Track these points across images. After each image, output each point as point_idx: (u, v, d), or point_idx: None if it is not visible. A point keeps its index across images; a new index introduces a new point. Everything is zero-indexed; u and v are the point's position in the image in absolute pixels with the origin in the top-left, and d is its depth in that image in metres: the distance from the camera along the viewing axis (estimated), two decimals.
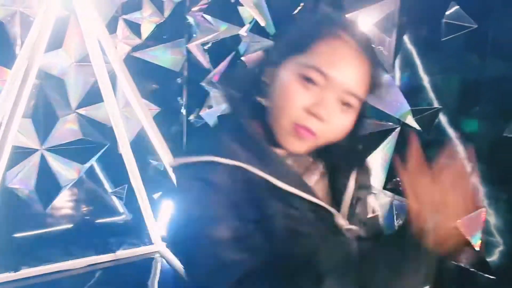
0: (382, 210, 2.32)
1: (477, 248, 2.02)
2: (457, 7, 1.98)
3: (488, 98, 1.96)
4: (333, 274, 0.81)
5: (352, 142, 0.99)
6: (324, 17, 0.99)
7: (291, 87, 0.89)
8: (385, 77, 2.25)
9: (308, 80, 0.88)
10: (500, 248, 1.95)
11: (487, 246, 1.97)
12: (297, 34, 0.95)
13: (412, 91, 2.25)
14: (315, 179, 1.00)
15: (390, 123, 2.27)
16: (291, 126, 0.89)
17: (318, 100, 0.88)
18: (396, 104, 2.23)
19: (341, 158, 1.01)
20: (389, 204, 2.31)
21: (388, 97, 2.23)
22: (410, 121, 2.19)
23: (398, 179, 2.27)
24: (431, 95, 2.18)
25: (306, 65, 0.89)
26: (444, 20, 1.99)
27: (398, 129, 2.26)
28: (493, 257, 1.98)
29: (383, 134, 2.28)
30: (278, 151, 0.95)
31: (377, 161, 2.31)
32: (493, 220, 1.96)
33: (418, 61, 2.22)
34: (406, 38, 2.24)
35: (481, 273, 2.02)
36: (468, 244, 2.00)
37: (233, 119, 0.97)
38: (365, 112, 0.98)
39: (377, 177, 2.29)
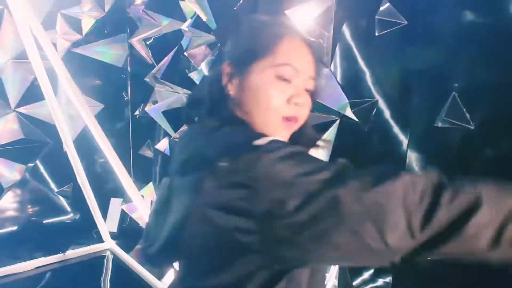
0: None
1: None
2: (388, 4, 2.07)
3: (419, 90, 2.06)
4: None
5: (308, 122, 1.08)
6: (274, 20, 1.05)
7: (270, 88, 0.96)
8: (325, 70, 2.34)
9: (281, 77, 0.96)
10: None
11: None
12: (255, 40, 1.00)
13: (350, 84, 2.34)
14: None
15: (332, 116, 2.35)
16: (280, 120, 0.97)
17: (295, 91, 0.97)
18: (335, 97, 2.31)
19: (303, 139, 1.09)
20: None
21: (327, 90, 2.31)
22: (349, 113, 2.28)
23: None
24: (368, 87, 2.28)
25: (278, 64, 0.96)
26: (377, 17, 2.07)
27: (338, 121, 2.34)
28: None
29: (324, 126, 2.35)
30: None
31: (318, 152, 2.39)
32: None
33: (355, 55, 2.31)
34: (343, 33, 2.32)
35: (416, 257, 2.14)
36: None
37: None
38: (316, 97, 1.07)
39: None
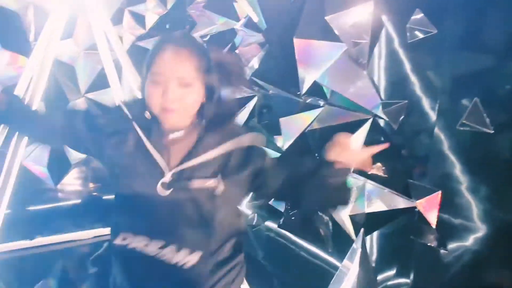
0: (356, 191, 2.61)
1: (434, 226, 2.32)
2: (421, 14, 2.24)
3: (445, 94, 2.23)
4: None
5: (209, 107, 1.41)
6: (160, 39, 1.45)
7: (149, 89, 1.36)
8: (361, 72, 2.54)
9: (155, 81, 1.34)
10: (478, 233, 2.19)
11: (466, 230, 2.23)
12: (146, 61, 1.41)
13: (384, 85, 2.53)
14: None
15: (364, 114, 2.55)
16: (160, 110, 1.35)
17: (164, 89, 1.33)
18: (369, 97, 2.50)
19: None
20: (362, 187, 2.60)
21: (362, 90, 2.51)
22: (380, 113, 2.47)
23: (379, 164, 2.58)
24: (400, 89, 2.47)
25: (152, 73, 1.36)
26: (408, 25, 2.26)
27: (370, 120, 2.54)
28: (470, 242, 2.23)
29: (357, 124, 2.56)
30: None
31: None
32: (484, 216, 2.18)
33: (390, 59, 2.49)
34: (381, 38, 2.52)
35: (437, 247, 2.32)
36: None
37: None
38: (212, 84, 1.39)
39: None
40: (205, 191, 1.37)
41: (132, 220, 1.43)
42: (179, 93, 1.33)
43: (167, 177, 1.37)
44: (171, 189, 1.36)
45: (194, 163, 1.38)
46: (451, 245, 2.29)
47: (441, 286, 2.39)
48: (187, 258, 1.37)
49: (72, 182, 4.37)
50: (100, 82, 4.02)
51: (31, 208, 4.11)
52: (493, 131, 2.02)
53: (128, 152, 1.41)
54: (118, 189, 1.48)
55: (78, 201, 4.39)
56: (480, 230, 2.18)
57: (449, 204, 2.29)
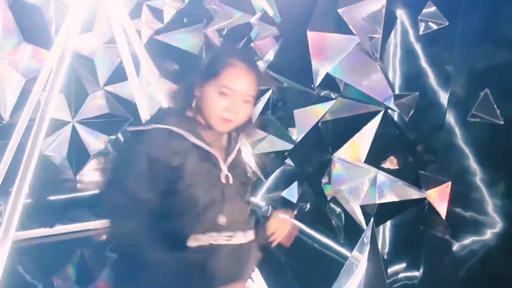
0: (367, 183, 2.64)
1: (444, 216, 2.35)
2: (433, 7, 2.26)
3: (456, 86, 2.25)
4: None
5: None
6: (224, 50, 1.62)
7: (214, 98, 1.45)
8: (374, 65, 2.57)
9: (222, 93, 1.44)
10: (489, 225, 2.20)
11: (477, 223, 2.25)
12: (211, 66, 1.48)
13: (396, 78, 2.55)
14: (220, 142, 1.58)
15: (375, 106, 2.58)
16: (219, 119, 1.46)
17: (230, 104, 1.45)
18: (381, 90, 2.53)
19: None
20: (373, 177, 2.63)
21: (374, 83, 2.54)
22: (392, 105, 2.50)
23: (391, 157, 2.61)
24: (412, 82, 2.49)
25: (220, 85, 1.44)
26: (419, 17, 2.28)
27: (382, 112, 2.57)
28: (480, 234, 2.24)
29: (369, 116, 2.59)
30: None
31: (364, 138, 2.64)
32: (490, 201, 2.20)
33: (402, 51, 2.52)
34: (393, 32, 2.54)
35: (447, 237, 2.34)
36: None
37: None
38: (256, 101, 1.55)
39: (362, 153, 2.62)
40: (246, 176, 1.66)
41: (209, 219, 1.49)
42: (242, 108, 1.48)
43: (225, 170, 1.51)
44: (231, 179, 1.52)
45: (233, 156, 1.57)
46: (462, 237, 2.30)
47: (451, 278, 2.40)
48: (249, 237, 1.55)
49: (90, 172, 4.48)
50: (119, 75, 4.12)
51: (51, 198, 4.23)
52: (503, 122, 2.03)
53: (190, 162, 1.47)
54: (183, 198, 1.47)
55: (97, 191, 4.49)
56: (492, 223, 2.19)
57: (460, 195, 2.31)
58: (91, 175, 4.51)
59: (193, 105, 1.49)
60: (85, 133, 4.24)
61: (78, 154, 4.26)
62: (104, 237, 3.85)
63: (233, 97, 1.45)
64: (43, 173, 3.95)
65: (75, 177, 4.31)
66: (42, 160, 3.97)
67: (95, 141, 4.28)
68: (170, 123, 1.45)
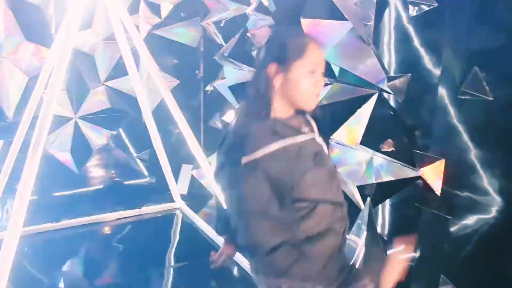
0: (364, 164, 2.70)
1: (438, 193, 2.40)
2: None
3: (446, 66, 2.30)
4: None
5: None
6: (298, 32, 1.74)
7: (306, 79, 1.48)
8: (367, 49, 2.62)
9: (311, 70, 1.47)
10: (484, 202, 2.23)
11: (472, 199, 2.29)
12: (292, 48, 1.48)
13: (389, 60, 2.61)
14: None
15: (370, 89, 2.63)
16: (313, 96, 1.51)
17: (317, 78, 1.49)
18: (374, 72, 2.58)
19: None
20: (370, 159, 2.68)
21: (368, 66, 2.59)
22: (385, 87, 2.55)
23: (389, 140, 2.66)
24: (404, 63, 2.54)
25: (309, 63, 1.47)
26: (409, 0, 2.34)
27: (376, 94, 2.62)
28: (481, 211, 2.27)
29: (364, 99, 2.64)
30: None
31: (359, 121, 2.69)
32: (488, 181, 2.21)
33: (394, 34, 2.57)
34: (385, 15, 2.60)
35: (441, 214, 2.39)
36: None
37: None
38: None
39: (358, 135, 2.67)
40: None
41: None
42: (323, 81, 1.53)
43: (322, 140, 1.60)
44: None
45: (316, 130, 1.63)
46: (457, 214, 2.35)
47: (447, 255, 2.45)
48: None
49: (94, 168, 4.56)
50: (119, 70, 4.19)
51: (56, 194, 4.31)
52: (492, 99, 2.08)
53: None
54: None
55: (101, 186, 4.57)
56: (487, 199, 2.23)
57: (454, 172, 2.35)
58: (94, 170, 4.58)
59: (273, 93, 1.49)
60: (87, 129, 4.32)
61: (81, 150, 4.34)
62: (110, 230, 3.94)
63: (318, 72, 1.49)
64: (48, 169, 4.03)
65: (79, 172, 4.39)
66: (45, 157, 4.07)
67: (97, 137, 4.37)
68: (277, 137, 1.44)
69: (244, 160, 1.41)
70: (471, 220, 2.31)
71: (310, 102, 1.52)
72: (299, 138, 1.48)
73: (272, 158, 1.40)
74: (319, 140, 1.57)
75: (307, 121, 1.60)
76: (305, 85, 1.48)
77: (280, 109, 1.51)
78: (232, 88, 3.78)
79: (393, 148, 2.66)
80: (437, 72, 2.37)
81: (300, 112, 1.58)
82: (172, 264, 3.53)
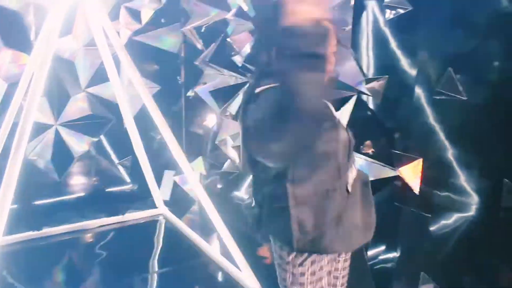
0: None
1: (417, 192, 2.45)
2: None
3: (422, 67, 2.36)
4: None
5: None
6: None
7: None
8: (345, 52, 2.67)
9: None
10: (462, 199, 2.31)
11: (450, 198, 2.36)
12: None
13: (367, 63, 2.66)
14: None
15: (349, 92, 2.68)
16: None
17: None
18: (353, 75, 2.64)
19: None
20: None
21: (346, 69, 2.65)
22: (364, 89, 2.61)
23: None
24: (381, 66, 2.60)
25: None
26: (385, 3, 2.39)
27: (355, 96, 2.67)
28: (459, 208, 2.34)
29: (343, 101, 2.69)
30: None
31: None
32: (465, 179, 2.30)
33: (371, 37, 2.63)
34: (362, 19, 2.65)
35: (420, 212, 2.45)
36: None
37: None
38: None
39: None
40: None
41: None
42: None
43: None
44: None
45: None
46: (435, 211, 2.41)
47: (427, 253, 2.51)
48: None
49: (75, 175, 4.53)
50: (100, 76, 4.18)
51: (37, 202, 4.27)
52: (466, 98, 2.15)
53: None
54: None
55: (82, 194, 4.54)
56: (464, 196, 2.29)
57: (432, 170, 2.41)
58: (76, 177, 4.55)
59: None
60: (68, 136, 4.29)
61: (62, 157, 4.31)
62: (92, 238, 3.91)
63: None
64: (28, 177, 3.99)
65: (60, 179, 4.36)
66: (26, 164, 4.02)
67: (78, 144, 4.34)
68: None
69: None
70: (449, 217, 2.37)
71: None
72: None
73: None
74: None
75: None
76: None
77: None
78: (213, 93, 3.81)
79: (373, 149, 2.71)
80: (413, 73, 2.43)
81: None
82: (156, 269, 3.52)
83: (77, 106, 4.27)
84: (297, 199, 1.50)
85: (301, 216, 1.50)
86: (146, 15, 4.30)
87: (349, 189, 1.58)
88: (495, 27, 2.05)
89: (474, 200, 2.26)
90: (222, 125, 3.78)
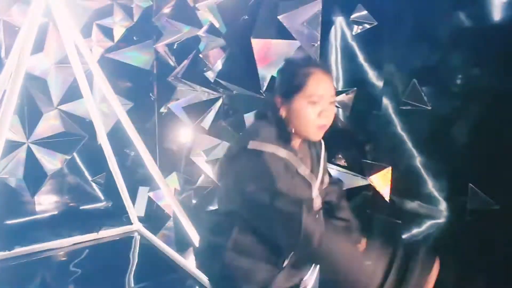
0: None
1: (387, 199, 2.53)
2: (362, 9, 2.49)
3: (388, 79, 2.46)
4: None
5: None
6: (304, 62, 1.66)
7: (308, 110, 1.52)
8: None
9: (312, 102, 1.51)
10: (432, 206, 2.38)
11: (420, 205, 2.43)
12: (294, 80, 1.54)
13: (335, 75, 2.76)
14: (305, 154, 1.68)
15: None
16: (316, 128, 1.54)
17: (322, 109, 1.52)
18: None
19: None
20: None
21: None
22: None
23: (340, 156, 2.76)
24: (349, 78, 2.69)
25: (309, 95, 1.52)
26: (351, 18, 2.50)
27: None
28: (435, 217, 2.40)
29: None
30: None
31: None
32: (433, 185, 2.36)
33: (339, 51, 2.73)
34: (330, 34, 2.75)
35: (390, 219, 2.52)
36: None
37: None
38: None
39: None
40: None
41: None
42: (331, 111, 1.56)
43: (316, 190, 1.64)
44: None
45: (321, 172, 1.69)
46: (406, 217, 2.49)
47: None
48: None
49: (48, 193, 4.48)
50: (72, 93, 4.18)
51: (9, 221, 4.21)
52: (430, 108, 2.25)
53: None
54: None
55: (56, 212, 4.50)
56: (432, 203, 2.38)
57: (401, 179, 2.50)
58: (49, 196, 4.50)
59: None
60: (40, 154, 4.26)
61: (35, 175, 4.27)
62: (66, 256, 3.87)
63: (322, 103, 1.52)
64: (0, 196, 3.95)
65: (33, 198, 4.31)
66: None
67: (51, 161, 4.31)
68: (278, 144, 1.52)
69: (251, 145, 1.49)
70: (418, 223, 2.45)
71: (313, 132, 1.56)
72: (301, 169, 1.56)
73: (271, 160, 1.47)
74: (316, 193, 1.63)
75: (317, 165, 1.69)
76: (306, 117, 1.52)
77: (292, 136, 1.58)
78: (186, 109, 3.85)
79: (344, 162, 2.80)
80: (380, 85, 2.53)
81: (313, 149, 1.70)
82: (133, 285, 3.50)
83: (49, 124, 4.25)
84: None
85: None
86: (118, 33, 4.33)
87: None
88: (457, 41, 2.16)
89: (442, 205, 2.35)
90: (196, 140, 3.82)
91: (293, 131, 1.57)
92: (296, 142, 1.62)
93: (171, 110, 4.10)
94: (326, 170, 1.77)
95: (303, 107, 1.51)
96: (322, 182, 1.72)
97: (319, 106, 1.51)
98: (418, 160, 2.40)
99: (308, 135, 1.57)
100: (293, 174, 1.55)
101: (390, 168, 2.50)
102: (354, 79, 2.65)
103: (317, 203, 1.67)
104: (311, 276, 2.74)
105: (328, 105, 1.54)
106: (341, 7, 2.65)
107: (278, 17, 2.71)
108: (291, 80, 1.55)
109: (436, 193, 2.35)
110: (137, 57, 4.36)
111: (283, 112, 1.55)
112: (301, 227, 1.39)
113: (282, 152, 1.51)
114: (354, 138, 2.76)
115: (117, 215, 4.40)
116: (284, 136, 1.56)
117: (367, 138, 2.70)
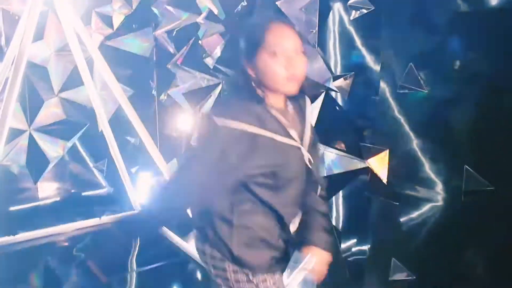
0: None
1: (385, 182, 2.59)
2: None
3: (386, 63, 2.50)
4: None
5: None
6: (259, 18, 1.63)
7: (271, 63, 1.46)
8: (313, 51, 2.79)
9: (274, 53, 1.45)
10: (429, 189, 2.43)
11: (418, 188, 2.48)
12: (252, 37, 1.50)
13: (334, 61, 2.79)
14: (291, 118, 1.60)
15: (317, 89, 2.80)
16: (285, 79, 1.47)
17: (288, 59, 1.45)
18: (321, 72, 2.76)
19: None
20: (321, 154, 2.85)
21: (314, 67, 2.77)
22: (332, 86, 2.73)
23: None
24: (348, 63, 2.73)
25: (270, 47, 1.45)
26: (349, 4, 2.53)
27: (323, 93, 2.80)
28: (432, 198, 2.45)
29: (312, 97, 2.80)
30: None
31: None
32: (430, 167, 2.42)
33: (336, 37, 2.76)
34: (328, 19, 2.78)
35: (389, 200, 2.58)
36: None
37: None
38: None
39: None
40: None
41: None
42: (298, 60, 1.48)
43: (306, 152, 1.58)
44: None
45: (308, 132, 1.62)
46: (403, 198, 2.54)
47: (398, 241, 2.63)
48: None
49: (51, 179, 4.53)
50: (72, 81, 4.21)
51: (12, 208, 4.26)
52: (427, 91, 2.29)
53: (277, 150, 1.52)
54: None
55: (58, 198, 4.55)
56: (429, 184, 2.42)
57: (398, 161, 2.55)
58: (51, 182, 4.55)
59: (253, 84, 1.50)
60: (42, 141, 4.30)
61: (37, 162, 4.31)
62: (69, 241, 3.92)
63: (286, 54, 1.45)
64: (3, 183, 3.99)
65: (35, 185, 4.36)
66: (0, 170, 4.02)
67: (53, 148, 4.35)
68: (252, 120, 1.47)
69: (216, 120, 1.44)
70: (416, 204, 2.50)
71: (283, 85, 1.48)
72: (279, 138, 1.50)
73: (236, 137, 1.44)
74: (304, 151, 1.58)
75: (303, 123, 1.63)
76: (271, 70, 1.46)
77: (269, 97, 1.52)
78: (186, 95, 3.89)
79: (343, 144, 2.85)
80: (378, 70, 2.57)
81: (297, 106, 1.63)
82: (135, 269, 3.56)
83: (51, 111, 4.28)
84: None
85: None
86: (118, 20, 4.35)
87: None
88: (453, 25, 2.20)
89: (438, 187, 2.40)
90: (196, 125, 3.86)
91: (265, 92, 1.52)
92: (276, 101, 1.55)
93: (171, 97, 4.14)
94: (312, 127, 1.70)
95: (266, 61, 1.46)
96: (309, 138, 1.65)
97: (282, 58, 1.45)
98: (415, 143, 2.45)
99: (280, 89, 1.50)
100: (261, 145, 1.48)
101: (387, 150, 2.55)
102: (352, 63, 2.69)
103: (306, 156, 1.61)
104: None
105: (295, 55, 1.47)
106: None
107: (276, 3, 2.73)
108: (251, 37, 1.51)
109: (432, 175, 2.40)
110: (137, 44, 4.38)
111: (251, 73, 1.50)
112: None
113: (244, 126, 1.46)
114: (352, 122, 2.80)
115: (120, 201, 4.44)
116: (255, 100, 1.51)
117: (365, 122, 2.75)
